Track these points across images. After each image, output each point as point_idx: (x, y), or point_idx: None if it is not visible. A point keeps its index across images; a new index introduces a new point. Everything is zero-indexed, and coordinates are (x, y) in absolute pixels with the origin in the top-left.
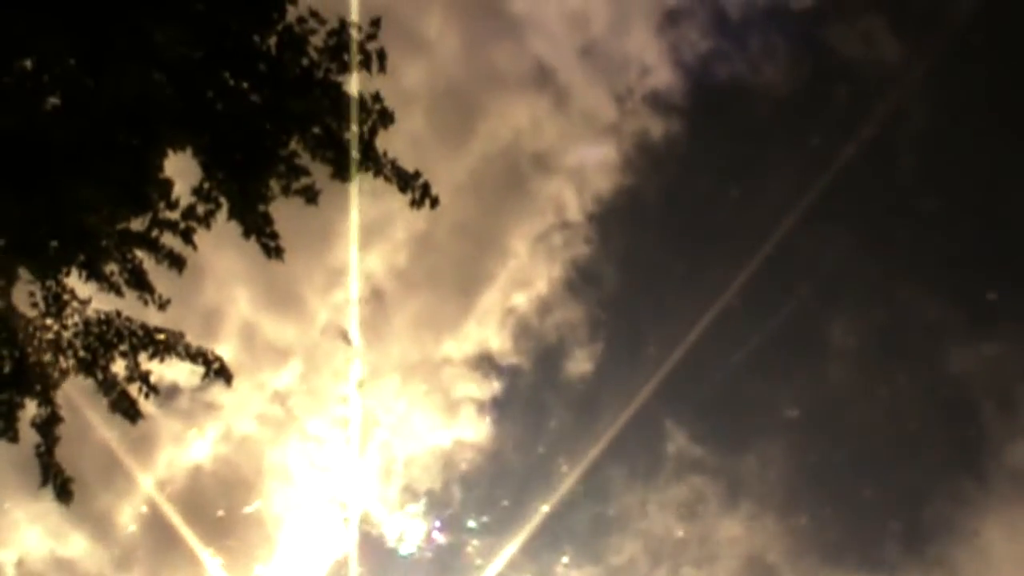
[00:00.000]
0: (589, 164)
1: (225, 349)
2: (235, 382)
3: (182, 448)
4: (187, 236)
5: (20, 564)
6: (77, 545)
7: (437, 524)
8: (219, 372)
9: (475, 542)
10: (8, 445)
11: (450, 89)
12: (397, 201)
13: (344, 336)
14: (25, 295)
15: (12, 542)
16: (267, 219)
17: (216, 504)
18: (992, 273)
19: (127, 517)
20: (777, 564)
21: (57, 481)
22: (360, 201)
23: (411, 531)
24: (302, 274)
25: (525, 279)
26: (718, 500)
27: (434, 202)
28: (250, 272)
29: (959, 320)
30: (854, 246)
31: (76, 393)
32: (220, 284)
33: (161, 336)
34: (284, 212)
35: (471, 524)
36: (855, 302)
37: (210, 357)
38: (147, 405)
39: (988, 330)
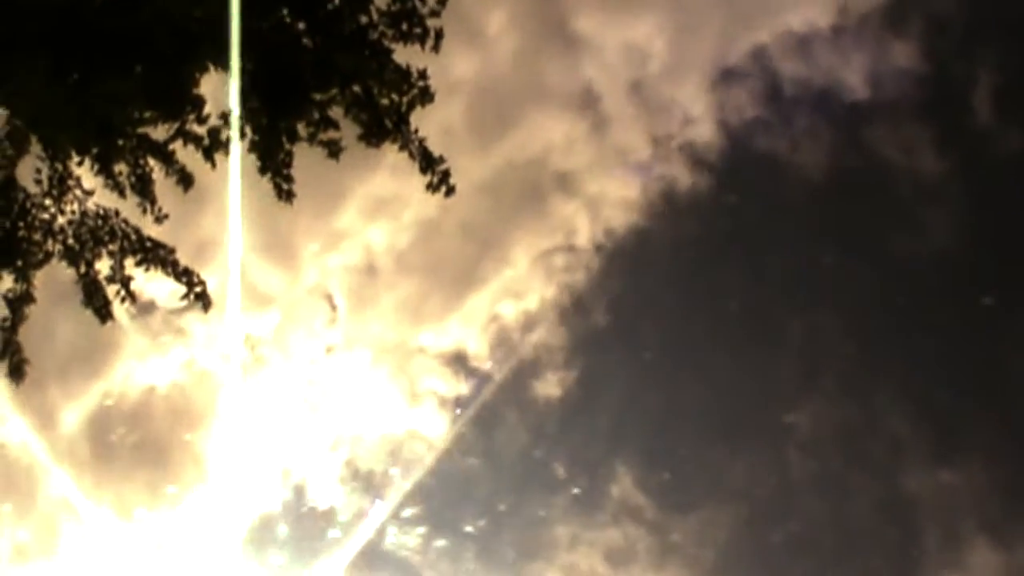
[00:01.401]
0: (610, 196)
1: (209, 281)
2: (211, 315)
3: (142, 365)
4: (208, 152)
5: None
6: (16, 431)
7: (367, 506)
8: (200, 296)
9: (398, 533)
10: None
11: (494, 89)
12: (414, 183)
13: (328, 299)
14: (31, 170)
15: None
16: (286, 159)
17: (160, 427)
18: (970, 406)
19: (71, 417)
20: None
21: (13, 359)
22: (379, 174)
23: (341, 506)
24: (304, 229)
25: (518, 291)
26: (648, 554)
27: (450, 190)
28: (253, 213)
29: (924, 441)
30: (844, 342)
31: (53, 280)
32: (220, 217)
33: (152, 246)
34: (302, 165)
35: (401, 514)
36: (831, 396)
37: (195, 279)
38: (120, 312)
39: (950, 459)
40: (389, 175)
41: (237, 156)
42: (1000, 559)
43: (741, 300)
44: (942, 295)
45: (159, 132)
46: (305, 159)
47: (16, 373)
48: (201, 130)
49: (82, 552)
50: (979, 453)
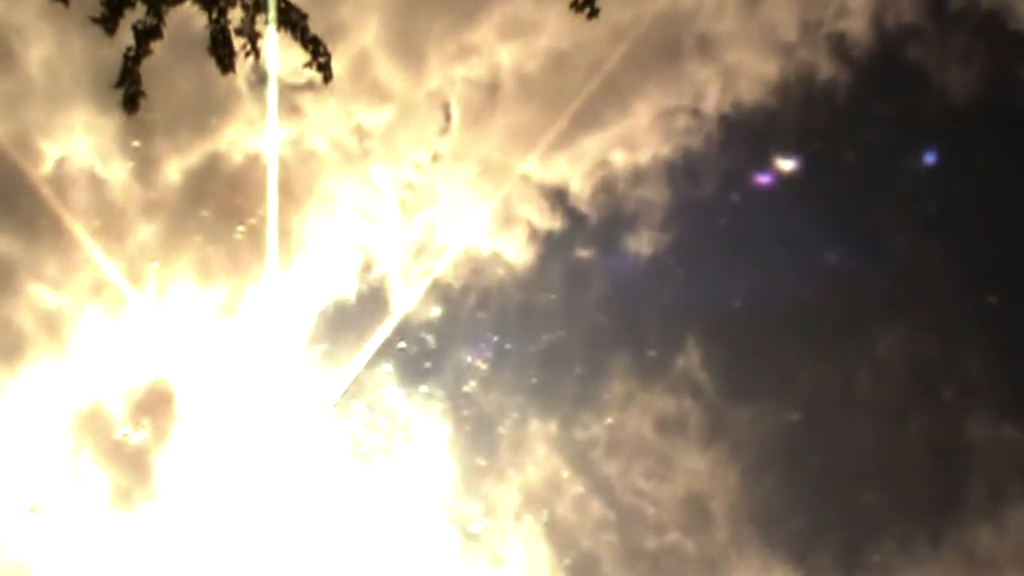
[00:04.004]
0: (746, 70)
1: (333, 64)
2: (327, 100)
3: (250, 133)
4: None
5: (60, 162)
6: (117, 171)
7: (435, 315)
8: (322, 67)
9: (458, 348)
10: (99, 51)
11: None
12: (554, 11)
13: (444, 108)
14: None
15: (62, 140)
16: None
17: (254, 197)
18: None
19: (173, 170)
20: (713, 514)
21: (130, 89)
22: None
23: (411, 309)
24: (436, 35)
25: (632, 143)
26: (696, 430)
27: (593, 12)
28: (391, 8)
29: (997, 392)
30: (946, 277)
31: (181, 34)
32: (358, 5)
33: (287, 7)
34: None
35: (465, 331)
36: (916, 327)
37: (321, 49)
38: (240, 75)
39: (1016, 417)
40: None
41: None
42: None
43: (852, 206)
44: None
45: None
46: None
47: (130, 104)
48: None
49: (157, 298)
50: None
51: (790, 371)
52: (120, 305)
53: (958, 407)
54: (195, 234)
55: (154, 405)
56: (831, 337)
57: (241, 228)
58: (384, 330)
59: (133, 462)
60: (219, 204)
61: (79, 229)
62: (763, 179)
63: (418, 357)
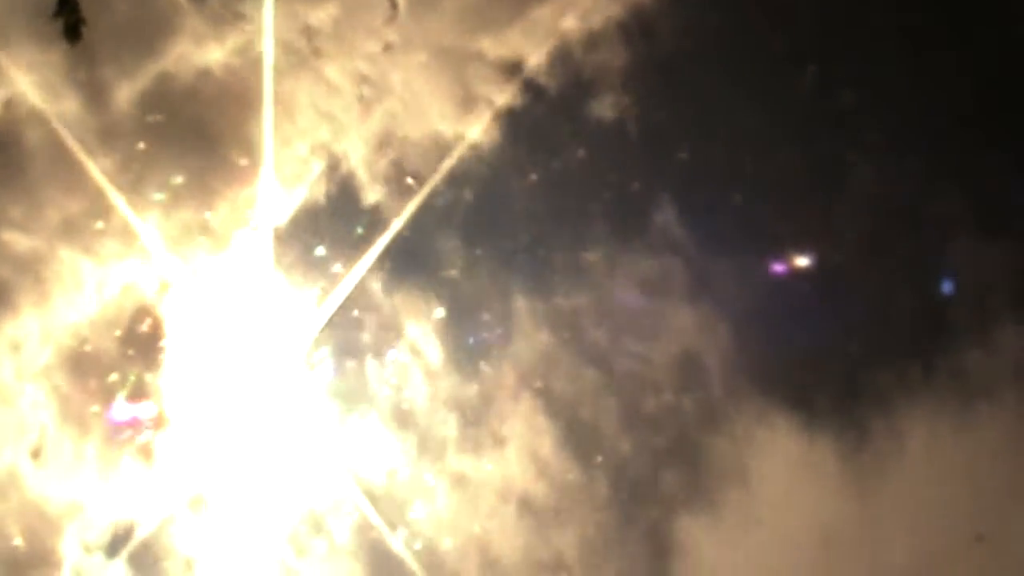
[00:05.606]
0: None
1: None
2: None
3: (198, 48)
4: None
5: (7, 104)
6: (68, 105)
7: (409, 206)
8: None
9: (435, 237)
10: None
11: None
12: None
13: None
14: None
15: (7, 81)
16: None
17: (212, 112)
18: None
19: (124, 96)
20: (708, 369)
21: (70, 18)
22: None
23: (384, 203)
24: None
25: (582, 7)
26: (682, 288)
27: None
28: None
29: (983, 208)
30: (921, 97)
31: None
32: None
33: None
34: None
35: (440, 219)
36: (896, 155)
37: None
38: None
39: (1003, 232)
40: None
41: None
42: None
43: (822, 42)
44: None
45: None
46: None
47: (72, 33)
48: None
49: (124, 229)
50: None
51: (769, 217)
52: (93, 239)
53: (938, 232)
54: (157, 156)
55: (140, 334)
56: (807, 178)
57: (204, 145)
58: (358, 227)
59: (127, 393)
60: (177, 123)
61: (39, 169)
62: (721, 26)
63: (396, 249)
